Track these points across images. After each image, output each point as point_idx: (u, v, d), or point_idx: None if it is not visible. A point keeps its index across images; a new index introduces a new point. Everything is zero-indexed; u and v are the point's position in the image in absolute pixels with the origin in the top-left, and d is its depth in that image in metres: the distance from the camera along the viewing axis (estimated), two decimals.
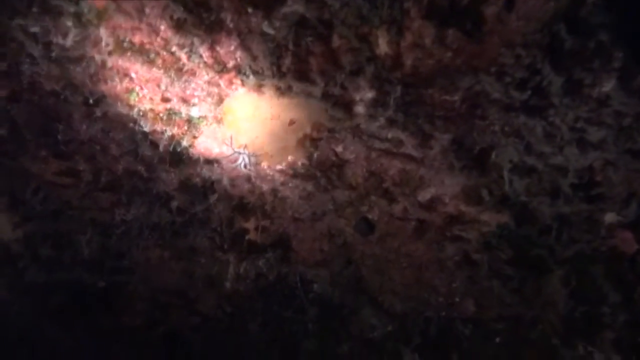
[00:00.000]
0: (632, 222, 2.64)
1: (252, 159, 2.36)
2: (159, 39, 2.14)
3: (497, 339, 3.57)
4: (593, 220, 2.70)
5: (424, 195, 2.87)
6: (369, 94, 2.12)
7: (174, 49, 2.17)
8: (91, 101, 2.72)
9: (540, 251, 2.99)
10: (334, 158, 2.84)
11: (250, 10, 1.93)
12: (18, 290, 4.01)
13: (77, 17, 2.06)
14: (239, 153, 2.34)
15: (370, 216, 3.22)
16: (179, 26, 2.03)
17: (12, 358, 4.01)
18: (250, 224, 3.73)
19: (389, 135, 2.43)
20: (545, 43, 1.85)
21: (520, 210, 2.66)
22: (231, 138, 2.34)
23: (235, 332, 4.33)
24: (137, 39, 2.17)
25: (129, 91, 2.66)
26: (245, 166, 2.45)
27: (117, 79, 2.56)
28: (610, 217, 2.66)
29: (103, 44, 2.18)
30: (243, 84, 2.28)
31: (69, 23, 2.11)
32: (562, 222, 2.67)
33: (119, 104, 2.80)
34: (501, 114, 2.11)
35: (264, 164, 2.52)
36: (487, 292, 3.48)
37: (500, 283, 3.34)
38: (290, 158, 2.42)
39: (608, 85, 1.93)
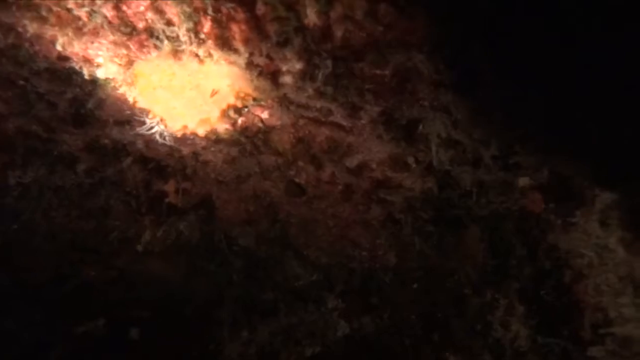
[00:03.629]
0: (542, 185, 2.81)
1: (168, 133, 2.15)
2: None
3: (415, 285, 3.78)
4: (508, 184, 2.84)
5: (352, 162, 2.84)
6: (297, 65, 1.97)
7: (70, 5, 1.84)
8: None
9: (459, 211, 3.13)
10: (259, 124, 2.69)
11: None
12: None
13: None
14: (153, 125, 2.12)
15: (297, 180, 3.16)
16: None
17: None
18: (169, 187, 3.53)
19: (318, 105, 2.32)
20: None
21: (443, 177, 2.72)
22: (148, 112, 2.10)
23: (156, 283, 4.22)
24: None
25: (16, 47, 2.29)
26: (161, 136, 2.24)
27: (0, 34, 2.17)
28: (523, 181, 2.82)
29: None
30: (156, 48, 2.02)
31: None
32: (480, 187, 2.78)
33: (3, 60, 2.42)
34: (430, 90, 2.08)
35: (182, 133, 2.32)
36: (408, 246, 3.63)
37: (421, 239, 3.49)
38: (211, 129, 2.23)
39: None
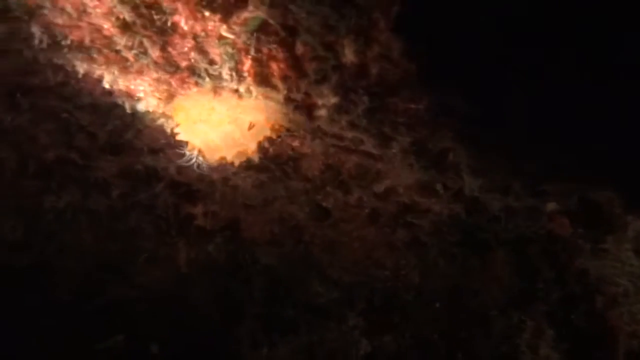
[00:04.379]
0: (570, 210, 2.84)
1: (206, 164, 2.24)
2: (102, 38, 1.91)
3: (437, 304, 3.78)
4: (536, 209, 2.87)
5: (379, 187, 2.90)
6: (332, 100, 2.04)
7: (119, 48, 1.94)
8: (18, 95, 2.43)
9: (486, 235, 3.16)
10: (290, 152, 2.77)
11: (207, 13, 1.76)
12: None
13: (4, 13, 1.78)
14: (192, 157, 2.20)
15: (324, 204, 3.23)
16: (126, 27, 1.81)
17: None
18: (198, 210, 3.62)
19: (350, 135, 2.39)
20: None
21: (471, 202, 2.77)
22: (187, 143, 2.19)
23: (179, 301, 4.29)
24: (76, 36, 1.92)
25: (64, 84, 2.40)
26: (199, 167, 2.32)
27: (50, 73, 2.28)
28: (550, 206, 2.85)
29: (36, 40, 1.92)
30: (197, 85, 2.11)
31: None
32: (508, 212, 2.82)
33: (50, 96, 2.53)
34: (462, 122, 2.14)
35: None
36: (432, 267, 3.66)
37: (446, 261, 3.52)
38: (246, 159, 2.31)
39: None
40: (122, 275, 4.23)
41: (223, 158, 2.34)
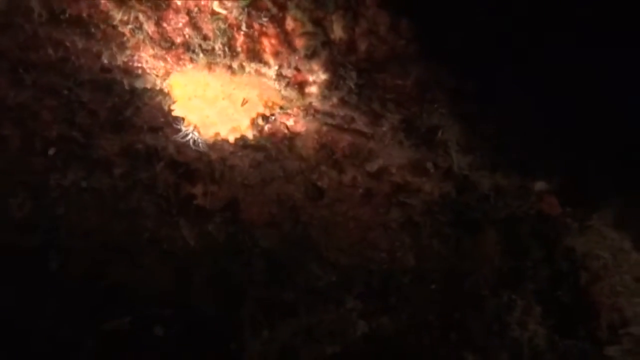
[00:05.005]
0: (559, 190, 2.89)
1: (202, 140, 2.31)
2: (99, 12, 1.98)
3: (433, 286, 3.85)
4: (524, 188, 2.93)
5: (372, 166, 2.96)
6: (323, 76, 2.11)
7: (115, 23, 2.02)
8: (20, 70, 2.52)
9: (476, 214, 3.22)
10: (285, 131, 2.84)
11: None
12: None
13: None
14: (188, 133, 2.28)
15: (320, 184, 3.29)
16: (121, 1, 1.88)
17: None
18: (198, 190, 3.69)
19: (341, 113, 2.46)
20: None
21: (461, 181, 2.83)
22: (183, 119, 2.27)
23: (181, 282, 4.37)
24: (74, 10, 1.99)
25: (64, 60, 2.48)
26: (194, 143, 2.40)
27: (50, 49, 2.36)
28: (539, 185, 2.90)
29: (35, 14, 1.99)
30: (192, 61, 2.18)
31: None
32: (498, 191, 2.88)
33: (51, 72, 2.61)
34: (450, 98, 2.19)
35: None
36: (427, 248, 3.72)
37: (439, 241, 3.58)
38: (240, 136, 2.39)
39: None
40: (127, 256, 4.33)
41: (217, 134, 2.41)
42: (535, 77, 2.21)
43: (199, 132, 2.41)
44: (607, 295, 2.75)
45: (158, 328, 4.07)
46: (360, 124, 2.54)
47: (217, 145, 3.02)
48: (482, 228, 3.37)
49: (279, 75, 2.22)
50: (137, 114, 2.87)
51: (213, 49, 2.10)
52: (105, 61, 2.22)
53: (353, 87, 2.18)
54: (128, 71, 2.42)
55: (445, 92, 2.14)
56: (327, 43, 2.04)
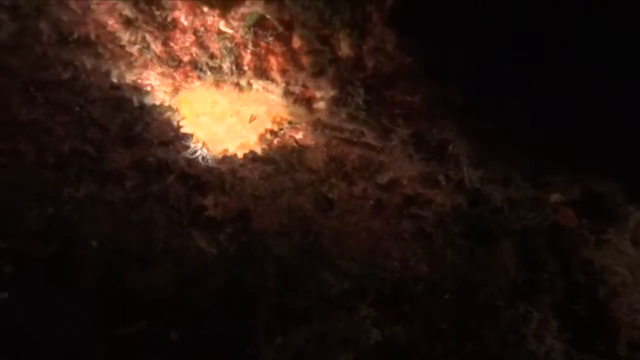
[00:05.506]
0: (575, 202, 2.83)
1: (210, 156, 2.31)
2: (106, 33, 1.99)
3: (447, 296, 3.80)
4: (539, 200, 2.87)
5: (383, 178, 2.94)
6: (331, 93, 2.09)
7: (123, 43, 2.02)
8: (32, 88, 2.55)
9: (490, 226, 3.17)
10: (294, 144, 2.83)
11: (205, 9, 1.82)
12: None
13: (14, 10, 1.88)
14: (197, 150, 2.28)
15: (330, 195, 3.28)
16: (128, 22, 1.89)
17: None
18: (209, 201, 3.70)
19: (350, 127, 2.44)
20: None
21: (473, 194, 2.78)
22: (192, 135, 2.27)
23: (194, 290, 4.39)
24: (82, 32, 2.01)
25: (74, 79, 2.50)
26: (203, 159, 2.40)
27: (60, 68, 2.39)
28: (555, 197, 2.84)
29: (45, 36, 2.01)
30: (200, 79, 2.18)
31: (5, 16, 1.93)
32: (511, 204, 2.82)
33: (62, 90, 2.64)
34: (459, 114, 2.16)
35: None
36: (440, 258, 3.67)
37: (452, 252, 3.54)
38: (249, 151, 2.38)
39: None
40: (141, 264, 4.37)
41: (226, 150, 2.41)
42: (545, 88, 2.16)
43: (207, 149, 2.41)
44: (626, 313, 2.67)
45: (173, 333, 4.10)
46: (370, 137, 2.52)
47: (227, 159, 3.02)
48: (497, 239, 3.31)
49: (287, 92, 2.20)
50: (147, 129, 2.88)
51: (220, 67, 2.10)
52: (115, 80, 2.23)
53: (361, 103, 2.16)
54: (137, 88, 2.43)
55: (453, 108, 2.10)
56: (334, 60, 2.02)
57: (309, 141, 2.80)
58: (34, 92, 2.49)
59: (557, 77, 2.12)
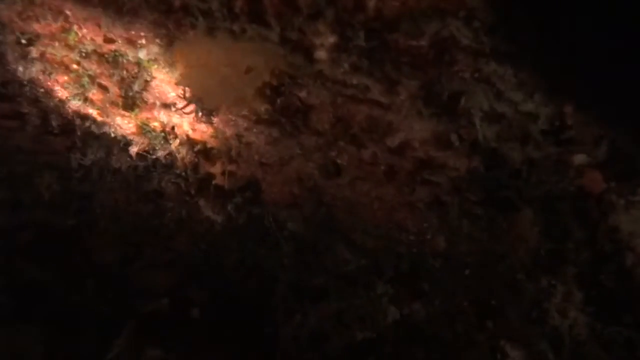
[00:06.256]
0: (601, 163, 2.60)
1: (206, 111, 2.19)
2: None
3: (467, 271, 3.65)
4: (562, 162, 2.65)
5: (393, 141, 2.77)
6: (330, 39, 1.93)
7: None
8: (23, 40, 2.47)
9: (508, 192, 2.97)
10: (298, 104, 2.68)
11: None
12: None
13: None
14: (192, 104, 2.16)
15: (339, 161, 3.13)
16: None
17: None
18: (216, 169, 3.62)
19: (354, 81, 2.27)
20: None
21: (490, 155, 2.59)
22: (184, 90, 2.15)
23: (211, 267, 4.37)
24: None
25: (66, 31, 2.41)
26: (198, 114, 2.28)
27: (49, 17, 2.29)
28: (579, 159, 2.62)
29: None
30: (193, 27, 2.05)
31: None
32: (531, 166, 2.62)
33: (56, 44, 2.56)
34: (470, 60, 1.96)
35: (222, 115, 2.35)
36: (457, 230, 3.51)
37: (469, 222, 3.36)
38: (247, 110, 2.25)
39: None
40: (155, 238, 4.35)
41: (222, 105, 2.29)
42: (568, 25, 1.92)
43: (202, 103, 2.30)
44: None
45: (195, 311, 4.09)
46: (376, 92, 2.35)
47: (231, 121, 2.91)
48: (517, 207, 3.11)
49: (283, 39, 2.05)
50: (146, 89, 2.78)
51: (211, 9, 1.96)
52: (106, 29, 2.12)
53: (363, 49, 1.99)
54: (131, 41, 2.32)
55: (464, 52, 1.91)
56: (332, 1, 1.85)
57: (313, 99, 2.65)
58: (26, 45, 2.41)
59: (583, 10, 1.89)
